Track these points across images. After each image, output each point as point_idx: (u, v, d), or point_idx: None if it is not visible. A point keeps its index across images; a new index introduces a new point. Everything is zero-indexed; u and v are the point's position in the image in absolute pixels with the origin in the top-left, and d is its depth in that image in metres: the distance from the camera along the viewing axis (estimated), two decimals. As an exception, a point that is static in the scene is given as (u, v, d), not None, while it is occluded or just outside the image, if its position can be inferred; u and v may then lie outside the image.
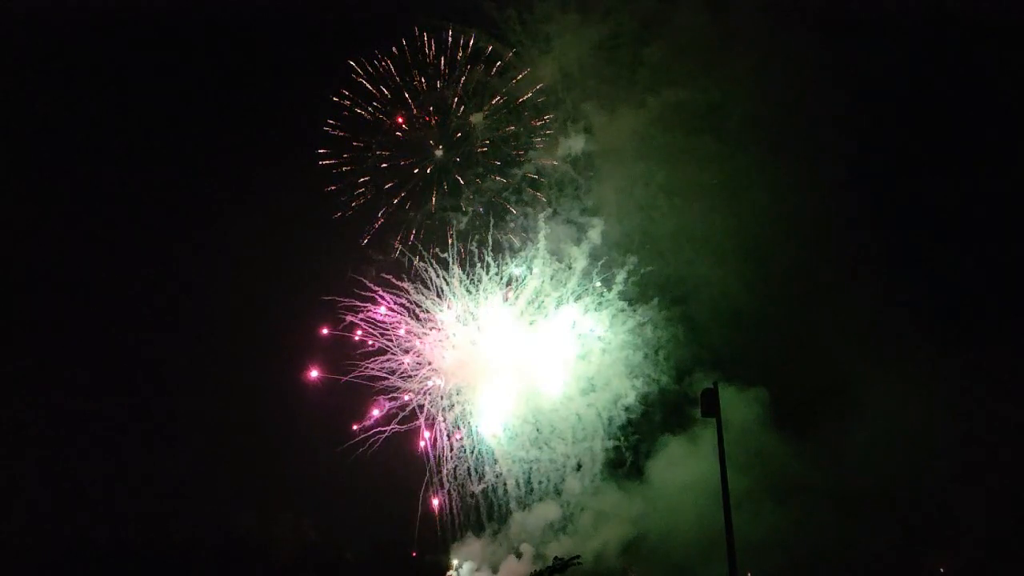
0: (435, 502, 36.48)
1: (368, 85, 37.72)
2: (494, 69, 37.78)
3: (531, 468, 36.74)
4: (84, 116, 39.46)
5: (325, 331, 36.76)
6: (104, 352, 39.02)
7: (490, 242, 36.84)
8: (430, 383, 36.91)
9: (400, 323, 36.99)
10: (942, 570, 34.70)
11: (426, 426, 36.51)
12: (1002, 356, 32.83)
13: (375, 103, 37.85)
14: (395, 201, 37.70)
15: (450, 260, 36.91)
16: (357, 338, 36.56)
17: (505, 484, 36.66)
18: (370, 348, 36.58)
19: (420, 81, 37.80)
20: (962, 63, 35.07)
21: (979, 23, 33.54)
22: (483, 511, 36.85)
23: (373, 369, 36.52)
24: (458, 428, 36.79)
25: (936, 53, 34.87)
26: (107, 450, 37.69)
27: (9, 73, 38.42)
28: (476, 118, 38.12)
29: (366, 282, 36.71)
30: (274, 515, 38.64)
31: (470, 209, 37.66)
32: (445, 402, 36.85)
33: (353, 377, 36.39)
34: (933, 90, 35.62)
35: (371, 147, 37.91)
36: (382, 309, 36.77)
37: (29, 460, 37.32)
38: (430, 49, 37.65)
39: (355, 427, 36.14)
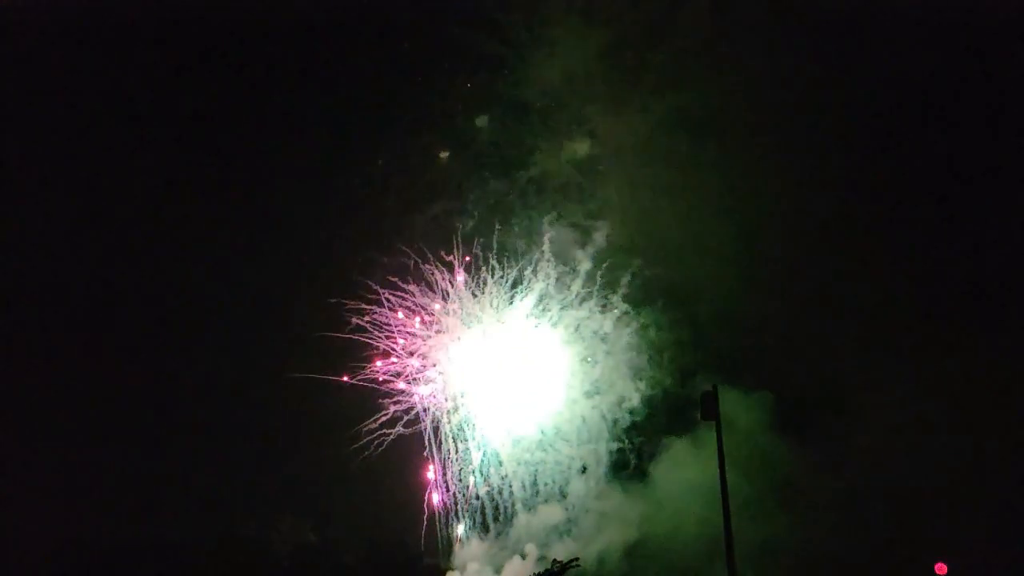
0: (439, 504, 36.62)
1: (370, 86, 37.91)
2: (499, 73, 38.01)
3: (536, 470, 36.98)
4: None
5: (330, 333, 36.78)
6: (105, 350, 38.90)
7: (495, 245, 37.06)
8: (435, 386, 37.07)
9: (405, 325, 37.11)
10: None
11: (431, 429, 36.74)
12: (1005, 357, 33.15)
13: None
14: (399, 205, 37.86)
15: (455, 263, 37.08)
16: (361, 340, 36.74)
17: (511, 486, 36.91)
18: (375, 351, 36.76)
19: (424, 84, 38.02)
20: (967, 64, 35.22)
21: (984, 23, 33.70)
22: (488, 513, 37.07)
23: (377, 371, 36.66)
24: (463, 430, 36.96)
25: (940, 54, 35.01)
26: (105, 449, 37.42)
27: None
28: (481, 121, 38.37)
29: (372, 284, 36.83)
30: (274, 515, 38.56)
31: (475, 212, 37.79)
32: (450, 404, 37.04)
33: (357, 379, 36.55)
34: (937, 92, 35.71)
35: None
36: (387, 311, 36.90)
37: (25, 460, 37.05)
38: (434, 52, 37.83)
39: (359, 429, 36.23)
